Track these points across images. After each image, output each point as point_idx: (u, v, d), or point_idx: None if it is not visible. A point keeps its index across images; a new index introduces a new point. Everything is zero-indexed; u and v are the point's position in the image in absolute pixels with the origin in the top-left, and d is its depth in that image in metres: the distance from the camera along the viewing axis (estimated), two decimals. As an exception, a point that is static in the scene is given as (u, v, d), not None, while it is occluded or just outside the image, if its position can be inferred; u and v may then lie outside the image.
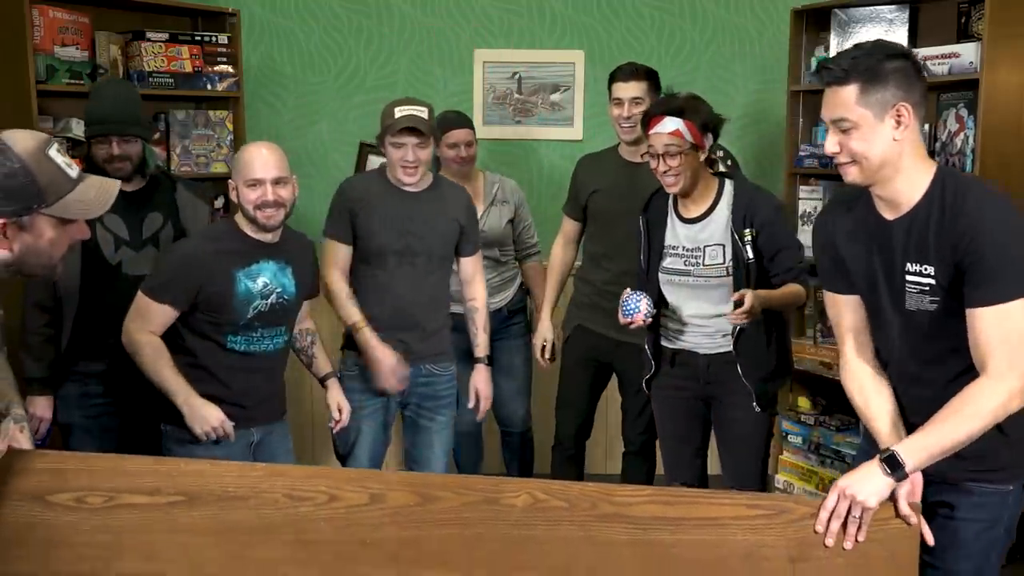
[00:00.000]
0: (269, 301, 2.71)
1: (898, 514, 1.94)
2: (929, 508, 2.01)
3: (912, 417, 2.06)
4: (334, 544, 1.99)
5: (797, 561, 1.94)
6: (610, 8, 4.59)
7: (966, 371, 1.95)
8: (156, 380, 2.63)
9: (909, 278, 2.00)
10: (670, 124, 2.73)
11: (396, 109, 2.97)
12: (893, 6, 3.94)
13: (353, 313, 3.04)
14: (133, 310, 2.66)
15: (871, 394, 2.12)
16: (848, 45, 4.01)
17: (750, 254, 2.78)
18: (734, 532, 1.97)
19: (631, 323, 2.79)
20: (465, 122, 3.66)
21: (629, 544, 1.97)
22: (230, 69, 4.06)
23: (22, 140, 1.83)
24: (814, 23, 4.21)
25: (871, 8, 3.98)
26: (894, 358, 2.11)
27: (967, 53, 3.49)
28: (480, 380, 3.27)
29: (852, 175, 2.00)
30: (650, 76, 3.37)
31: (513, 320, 3.79)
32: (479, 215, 3.47)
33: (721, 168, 3.54)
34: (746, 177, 3.23)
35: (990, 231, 1.89)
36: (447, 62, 4.59)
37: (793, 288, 2.79)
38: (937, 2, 3.85)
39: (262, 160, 2.65)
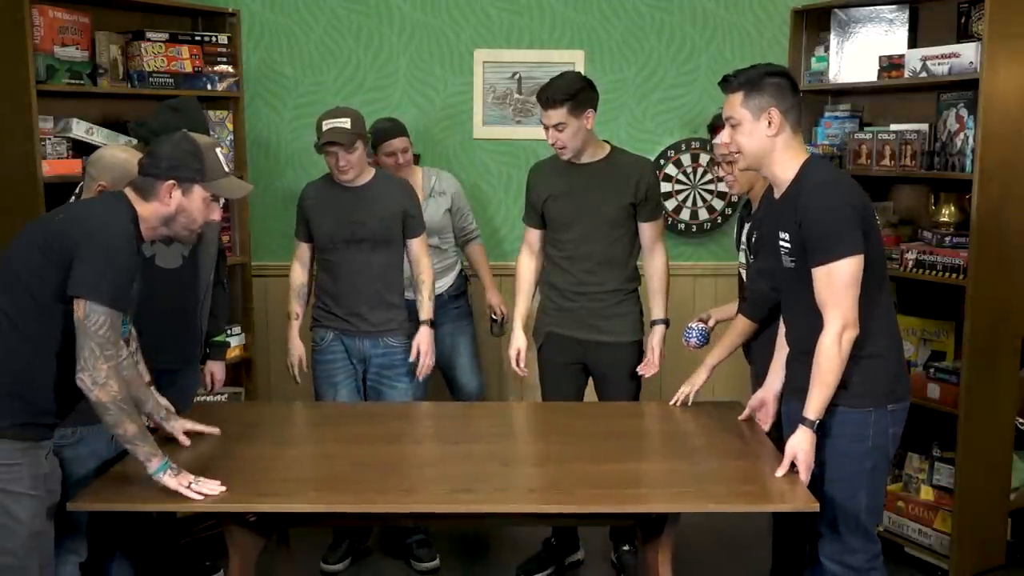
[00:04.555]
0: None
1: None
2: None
3: (795, 379, 2.65)
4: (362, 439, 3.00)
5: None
6: (610, 8, 4.59)
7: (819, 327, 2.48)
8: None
9: (780, 242, 2.58)
10: (724, 135, 2.97)
11: (323, 123, 3.47)
12: (893, 6, 3.93)
13: (292, 305, 3.71)
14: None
15: (780, 346, 2.82)
16: (848, 45, 4.05)
17: None
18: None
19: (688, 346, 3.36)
20: (399, 131, 3.95)
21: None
22: (230, 69, 4.06)
23: (201, 137, 2.61)
24: (814, 23, 4.22)
25: (871, 8, 3.98)
26: (784, 316, 2.74)
27: (967, 53, 3.49)
28: (422, 339, 3.61)
29: (740, 162, 2.66)
30: (573, 95, 3.28)
31: (455, 304, 4.13)
32: None
33: None
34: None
35: (813, 210, 2.45)
36: (447, 62, 4.59)
37: (735, 331, 3.11)
38: (937, 2, 3.85)
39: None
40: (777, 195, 2.62)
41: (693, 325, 3.37)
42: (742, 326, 3.10)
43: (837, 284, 2.43)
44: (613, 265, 3.45)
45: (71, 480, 2.58)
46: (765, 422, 2.89)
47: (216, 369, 3.66)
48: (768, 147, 2.54)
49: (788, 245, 2.55)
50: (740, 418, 2.98)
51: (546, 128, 3.35)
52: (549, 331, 3.53)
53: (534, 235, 3.59)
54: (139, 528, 2.99)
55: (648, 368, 3.47)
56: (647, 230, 3.46)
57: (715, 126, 3.15)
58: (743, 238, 3.24)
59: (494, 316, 4.20)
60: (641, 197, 3.40)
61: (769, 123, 2.51)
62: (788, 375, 2.76)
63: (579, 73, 3.42)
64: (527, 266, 3.62)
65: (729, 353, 3.14)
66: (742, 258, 3.25)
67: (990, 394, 3.61)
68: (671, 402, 3.14)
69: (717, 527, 3.91)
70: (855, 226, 2.45)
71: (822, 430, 2.53)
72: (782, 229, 2.57)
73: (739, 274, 3.32)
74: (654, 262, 3.50)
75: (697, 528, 3.65)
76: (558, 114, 3.29)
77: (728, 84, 2.58)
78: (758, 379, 3.03)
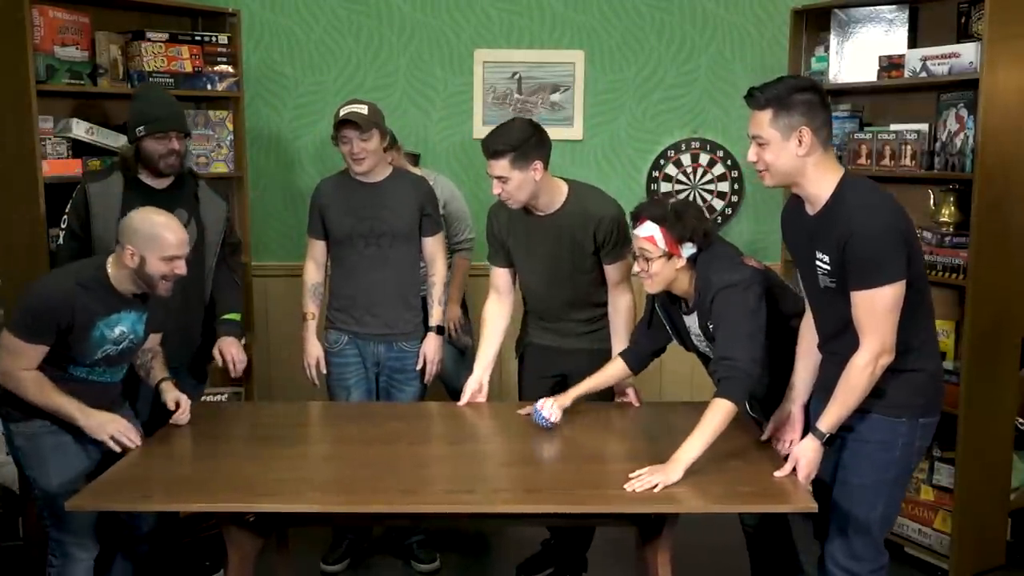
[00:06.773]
0: (120, 347, 2.79)
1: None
2: (838, 432, 2.53)
3: (826, 379, 2.59)
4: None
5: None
6: (610, 8, 4.59)
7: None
8: (47, 406, 2.70)
9: (817, 262, 2.49)
10: (645, 229, 2.75)
11: (340, 109, 3.44)
12: (893, 6, 3.93)
13: (307, 305, 3.63)
14: (4, 351, 2.68)
15: (801, 355, 2.74)
16: (848, 45, 4.05)
17: None
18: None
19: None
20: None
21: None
22: (230, 69, 4.06)
23: None
24: (814, 23, 4.22)
25: (871, 8, 3.98)
26: (818, 326, 2.64)
27: (967, 53, 3.49)
28: (429, 346, 3.62)
29: (766, 180, 2.52)
30: (515, 147, 3.05)
31: None
32: None
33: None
34: (712, 256, 2.78)
35: (858, 232, 2.35)
36: (447, 62, 4.59)
37: (712, 416, 2.55)
38: (937, 2, 3.85)
39: (179, 237, 2.73)
40: (811, 212, 2.51)
41: (537, 409, 2.95)
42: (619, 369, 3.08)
43: (878, 310, 2.37)
44: (585, 304, 3.32)
45: (57, 467, 2.63)
46: (792, 437, 2.71)
47: (225, 346, 3.33)
48: (798, 166, 2.44)
49: (827, 267, 2.46)
50: (762, 439, 2.80)
51: (491, 179, 3.15)
52: (530, 341, 3.47)
53: (502, 276, 3.41)
54: (140, 528, 2.99)
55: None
56: (611, 271, 3.27)
57: (639, 215, 2.78)
58: (688, 324, 2.91)
59: (452, 332, 4.04)
60: (601, 243, 3.20)
61: (800, 142, 2.41)
62: (822, 376, 2.65)
63: (529, 120, 3.18)
64: (495, 312, 3.42)
65: (592, 390, 3.05)
66: (697, 340, 2.92)
67: (990, 394, 3.61)
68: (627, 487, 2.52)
69: (712, 528, 3.90)
70: (900, 251, 2.37)
71: (854, 434, 2.51)
72: (820, 250, 2.47)
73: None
74: (620, 301, 3.29)
75: (693, 529, 3.65)
76: (500, 166, 3.07)
77: (755, 100, 2.45)
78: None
